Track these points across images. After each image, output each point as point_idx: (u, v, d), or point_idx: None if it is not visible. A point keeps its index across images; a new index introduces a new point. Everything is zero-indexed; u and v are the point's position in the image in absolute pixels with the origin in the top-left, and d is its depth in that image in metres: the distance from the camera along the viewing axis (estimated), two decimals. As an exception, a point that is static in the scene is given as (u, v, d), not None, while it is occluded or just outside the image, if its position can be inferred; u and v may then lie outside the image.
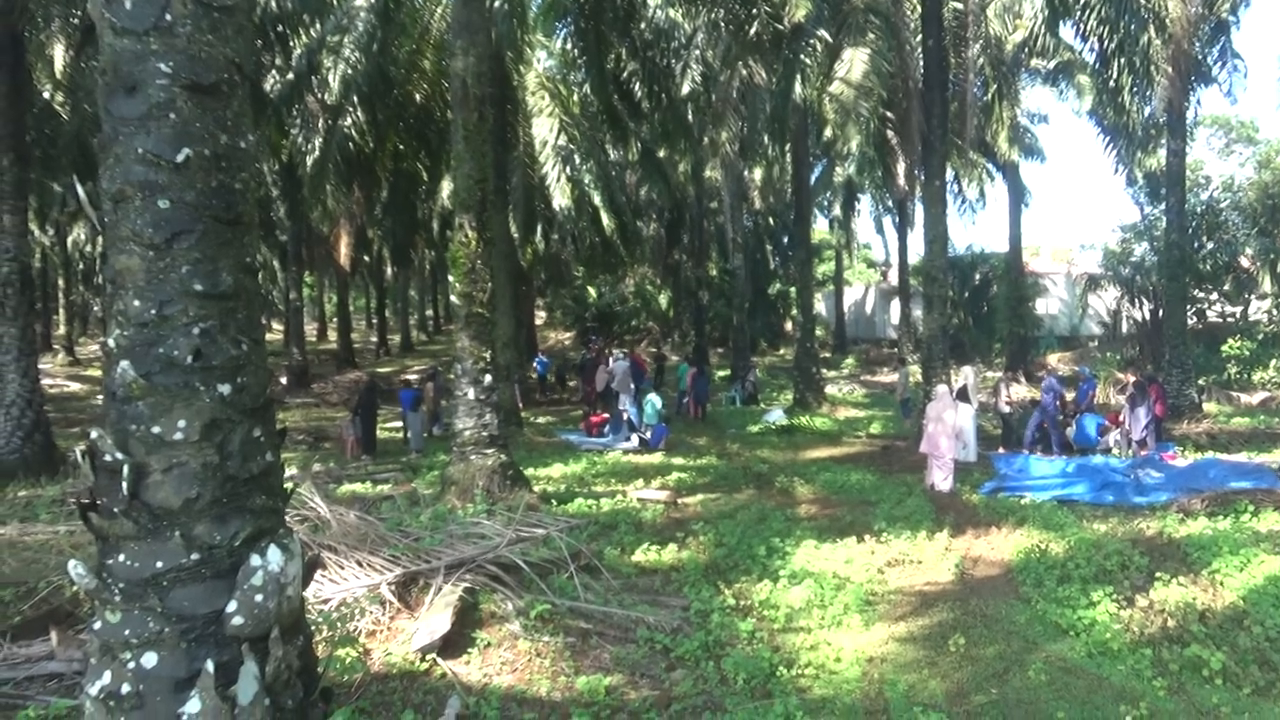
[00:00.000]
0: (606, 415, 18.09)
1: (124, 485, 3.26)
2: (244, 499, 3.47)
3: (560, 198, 19.74)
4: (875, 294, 42.90)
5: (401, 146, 20.49)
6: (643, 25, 18.36)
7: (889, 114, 18.56)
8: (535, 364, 26.33)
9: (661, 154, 25.43)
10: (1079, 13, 15.56)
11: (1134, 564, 7.37)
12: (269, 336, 40.86)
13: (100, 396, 3.73)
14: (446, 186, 22.98)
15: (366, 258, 37.05)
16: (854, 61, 14.78)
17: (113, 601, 3.30)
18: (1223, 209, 24.67)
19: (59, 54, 19.01)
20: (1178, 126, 17.69)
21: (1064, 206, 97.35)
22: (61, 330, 34.44)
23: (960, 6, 16.25)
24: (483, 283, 10.21)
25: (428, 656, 5.42)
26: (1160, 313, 23.01)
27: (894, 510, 9.87)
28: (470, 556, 6.83)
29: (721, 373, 29.93)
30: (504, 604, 6.21)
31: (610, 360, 22.69)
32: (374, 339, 42.23)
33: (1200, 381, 19.14)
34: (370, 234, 31.75)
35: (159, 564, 3.29)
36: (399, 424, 16.83)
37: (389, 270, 42.86)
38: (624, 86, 18.93)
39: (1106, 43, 15.29)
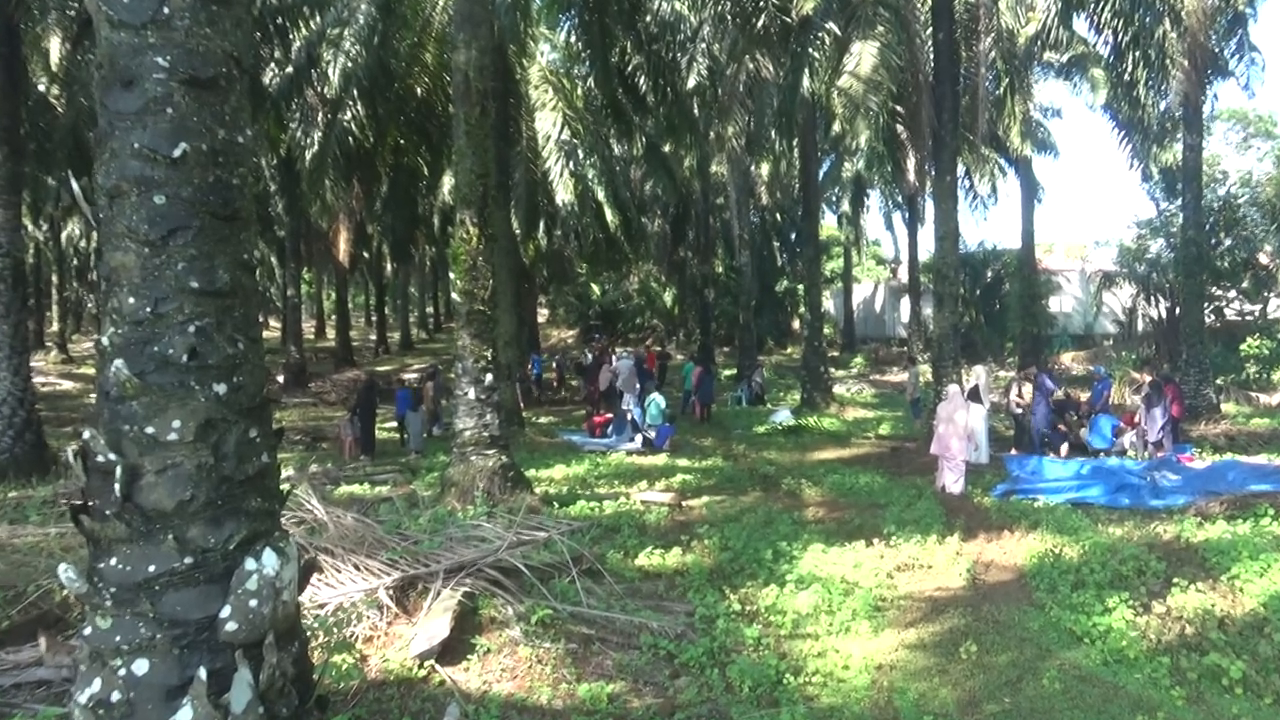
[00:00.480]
0: (610, 415, 18.08)
1: (116, 487, 3.25)
2: (239, 501, 3.45)
3: (563, 193, 19.73)
4: (885, 291, 42.86)
5: (402, 141, 20.50)
6: (648, 18, 18.35)
7: (899, 108, 18.51)
8: (531, 362, 26.34)
9: (666, 149, 25.42)
10: (1093, 5, 15.49)
11: (1150, 569, 7.33)
12: (266, 334, 40.94)
13: (93, 395, 3.72)
14: (448, 182, 23.02)
15: (366, 254, 37.09)
16: (863, 55, 14.75)
17: (103, 606, 3.29)
18: (1240, 204, 24.55)
19: (55, 47, 19.06)
20: (1194, 121, 17.61)
21: (1078, 202, 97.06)
22: (54, 327, 34.54)
23: (972, -1, 16.17)
24: (484, 280, 10.20)
25: (426, 663, 5.41)
26: (1177, 311, 22.92)
27: (904, 513, 9.85)
28: (470, 560, 6.81)
29: (727, 372, 29.90)
30: (504, 609, 6.20)
31: (614, 359, 22.70)
32: (373, 337, 42.28)
33: (1218, 381, 19.04)
34: (370, 230, 31.78)
35: (151, 568, 3.28)
36: (396, 424, 16.85)
37: (389, 267, 42.95)
38: (628, 80, 18.90)
39: (1121, 35, 15.22)
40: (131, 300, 3.33)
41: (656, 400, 16.01)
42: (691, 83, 19.04)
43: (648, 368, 26.05)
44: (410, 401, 16.10)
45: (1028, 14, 21.76)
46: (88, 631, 3.33)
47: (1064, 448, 13.76)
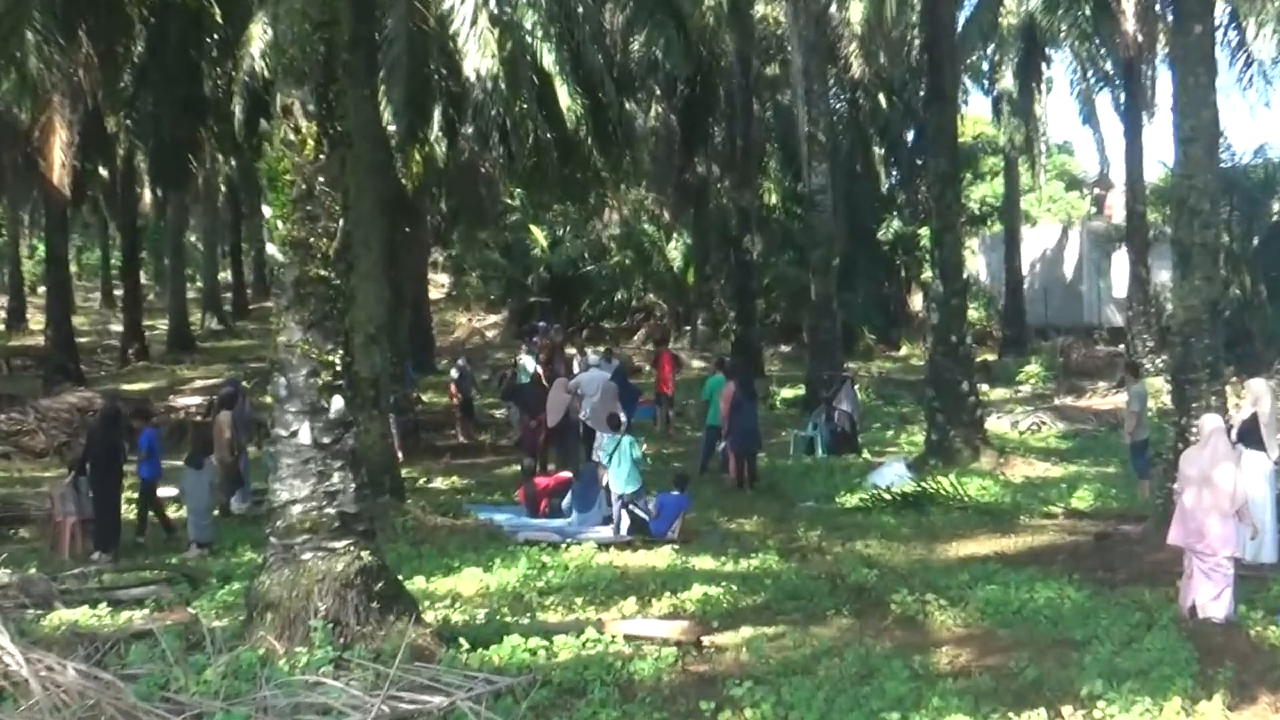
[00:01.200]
0: (567, 475, 18.06)
1: None
2: None
3: (478, 57, 19.74)
4: (1082, 240, 43.04)
5: (172, -41, 20.50)
6: None
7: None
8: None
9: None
10: None
11: None
12: (-83, 324, 40.83)
13: None
14: (259, 35, 22.98)
15: (104, 171, 37.00)
16: None
17: None
18: None
19: None
20: None
21: None
22: None
23: None
24: (328, 220, 10.17)
25: None
26: None
27: (1119, 657, 9.87)
28: (303, 750, 6.81)
29: (788, 392, 30.00)
30: (367, 842, 6.19)
31: (575, 367, 22.71)
32: (118, 328, 42.18)
33: None
34: (113, 126, 31.70)
35: None
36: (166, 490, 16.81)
37: (146, 196, 42.83)
38: None
39: None
40: None
41: (623, 449, 15.85)
42: None
43: (659, 388, 25.99)
44: (156, 443, 16.11)
45: None
46: None
47: None
